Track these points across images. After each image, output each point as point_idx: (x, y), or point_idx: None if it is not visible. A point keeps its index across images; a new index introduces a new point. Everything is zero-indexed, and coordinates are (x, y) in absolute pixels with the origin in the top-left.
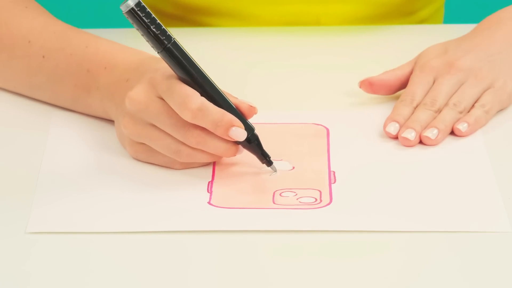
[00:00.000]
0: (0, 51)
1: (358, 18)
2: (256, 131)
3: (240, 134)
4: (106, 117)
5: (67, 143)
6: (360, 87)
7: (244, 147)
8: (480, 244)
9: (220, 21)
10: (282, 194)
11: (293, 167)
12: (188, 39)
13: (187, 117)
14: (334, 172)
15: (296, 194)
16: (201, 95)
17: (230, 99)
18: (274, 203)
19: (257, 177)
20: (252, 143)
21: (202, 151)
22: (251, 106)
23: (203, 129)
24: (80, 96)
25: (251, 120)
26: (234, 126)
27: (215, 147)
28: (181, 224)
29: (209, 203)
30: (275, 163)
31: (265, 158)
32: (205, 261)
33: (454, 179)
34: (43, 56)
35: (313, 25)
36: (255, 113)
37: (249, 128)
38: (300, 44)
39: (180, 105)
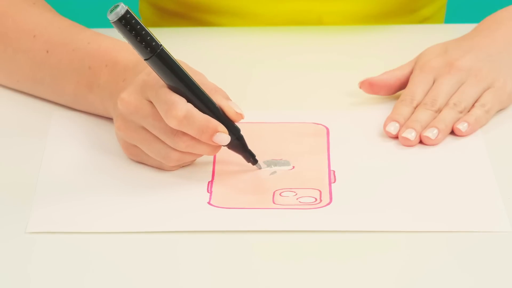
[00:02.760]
0: (6, 44)
1: (361, 16)
2: (256, 130)
3: (224, 139)
4: (107, 115)
5: (67, 143)
6: (360, 88)
7: (230, 147)
8: (480, 244)
9: (222, 19)
10: (282, 194)
11: (293, 167)
12: (189, 38)
13: (172, 124)
14: (334, 172)
15: (296, 194)
16: (188, 101)
17: (220, 101)
18: (274, 203)
19: (257, 177)
20: (238, 143)
21: (190, 153)
22: (237, 112)
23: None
24: (81, 93)
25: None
26: (218, 131)
27: (202, 149)
28: (181, 224)
29: (209, 203)
30: (274, 162)
31: (251, 158)
32: (205, 261)
33: (454, 179)
34: (47, 51)
35: (316, 23)
36: (242, 119)
37: (235, 130)
38: (301, 44)
39: (166, 112)
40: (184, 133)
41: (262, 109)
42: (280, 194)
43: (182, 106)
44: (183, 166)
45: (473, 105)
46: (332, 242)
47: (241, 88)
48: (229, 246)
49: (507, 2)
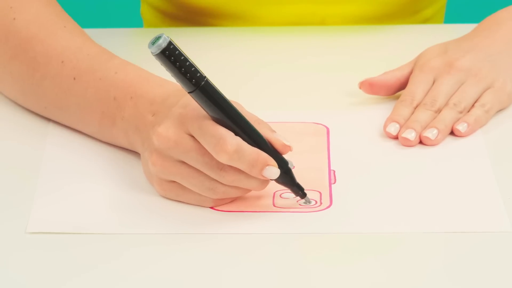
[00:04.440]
0: (34, 69)
1: (363, 18)
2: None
3: (274, 172)
4: (131, 149)
5: (67, 143)
6: (360, 88)
7: (277, 181)
8: (480, 244)
9: (223, 23)
10: (282, 196)
11: (293, 167)
12: (192, 39)
13: (222, 159)
14: (334, 171)
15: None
16: (235, 133)
17: (266, 133)
18: (274, 205)
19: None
20: (286, 176)
21: (236, 187)
22: (285, 144)
23: (237, 168)
24: (105, 124)
25: None
26: (268, 165)
27: (249, 183)
28: (182, 227)
29: (210, 206)
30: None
31: (299, 191)
32: (205, 263)
33: (454, 179)
34: (74, 78)
35: (318, 26)
36: (290, 151)
37: (283, 163)
38: (301, 44)
39: (215, 147)
40: (230, 167)
41: (263, 109)
42: (280, 196)
43: (231, 140)
44: (223, 204)
45: (473, 105)
46: (332, 244)
47: (242, 88)
48: (230, 249)
49: (507, 2)
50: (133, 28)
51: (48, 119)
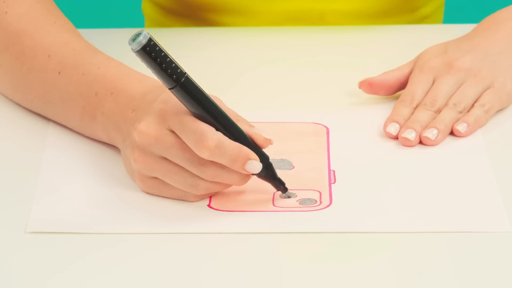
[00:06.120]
0: (22, 62)
1: (362, 14)
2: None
3: (256, 166)
4: (111, 143)
5: (67, 142)
6: (359, 88)
7: (258, 176)
8: (480, 244)
9: (224, 18)
10: (282, 195)
11: (293, 167)
12: (191, 38)
13: (204, 155)
14: (334, 172)
15: (296, 196)
16: (216, 129)
17: (246, 129)
18: (274, 205)
19: (257, 178)
20: (268, 171)
21: (218, 182)
22: (266, 138)
23: (219, 163)
24: (86, 120)
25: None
26: (250, 159)
27: (231, 178)
28: (181, 227)
29: (209, 205)
30: (274, 162)
31: (281, 185)
32: (205, 264)
33: (454, 179)
34: (59, 72)
35: (317, 22)
36: (271, 144)
37: (263, 157)
38: (301, 44)
39: (197, 143)
40: (212, 162)
41: (262, 109)
42: (280, 196)
43: (212, 135)
44: (205, 198)
45: (472, 105)
46: (332, 244)
47: (242, 87)
48: (229, 249)
49: (507, 2)
50: (134, 28)
51: (48, 119)
